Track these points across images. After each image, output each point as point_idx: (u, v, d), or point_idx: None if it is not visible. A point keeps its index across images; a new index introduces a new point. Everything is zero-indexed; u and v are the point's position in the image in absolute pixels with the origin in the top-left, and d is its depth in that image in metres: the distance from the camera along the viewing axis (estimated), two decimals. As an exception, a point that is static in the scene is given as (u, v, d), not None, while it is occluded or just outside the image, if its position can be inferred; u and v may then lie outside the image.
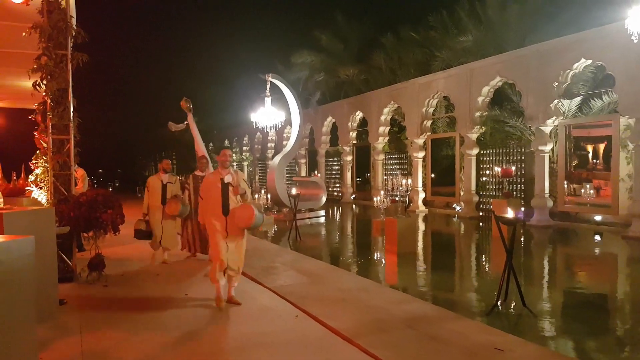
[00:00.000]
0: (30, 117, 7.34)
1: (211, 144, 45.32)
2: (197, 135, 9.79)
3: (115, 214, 6.85)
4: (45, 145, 7.02)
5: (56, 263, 5.72)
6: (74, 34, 7.05)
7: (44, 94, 6.95)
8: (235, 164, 40.65)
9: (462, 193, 16.66)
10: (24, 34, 6.75)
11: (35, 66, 6.84)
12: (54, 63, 6.83)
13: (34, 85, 6.94)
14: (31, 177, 7.29)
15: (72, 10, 7.23)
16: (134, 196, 26.88)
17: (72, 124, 7.06)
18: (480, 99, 15.72)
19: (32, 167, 7.29)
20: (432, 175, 18.35)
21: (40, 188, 7.15)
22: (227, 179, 5.67)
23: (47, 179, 7.02)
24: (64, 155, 6.98)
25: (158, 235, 8.28)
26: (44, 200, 7.06)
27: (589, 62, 12.63)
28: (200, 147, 9.54)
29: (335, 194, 24.78)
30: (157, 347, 4.51)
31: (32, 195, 7.15)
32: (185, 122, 10.61)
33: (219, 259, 5.64)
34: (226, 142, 42.02)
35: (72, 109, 7.07)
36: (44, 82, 6.87)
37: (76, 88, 7.23)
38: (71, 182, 7.08)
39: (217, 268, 5.65)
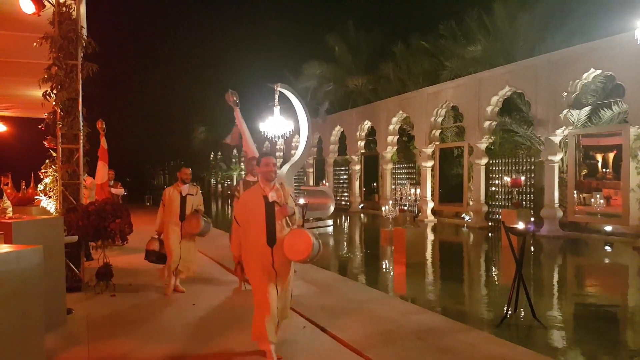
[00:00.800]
0: (40, 126, 7.39)
1: (219, 154, 45.55)
2: (246, 133, 8.16)
3: (124, 223, 6.86)
4: (54, 154, 7.07)
5: (64, 272, 5.73)
6: (84, 44, 7.12)
7: (54, 103, 7.01)
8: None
9: (471, 203, 16.57)
10: (35, 44, 6.83)
11: (45, 76, 6.90)
12: (64, 73, 6.88)
13: (44, 94, 7.00)
14: (40, 186, 7.32)
15: (83, 21, 7.30)
16: (143, 205, 26.97)
17: (81, 134, 7.10)
18: (489, 109, 15.67)
19: (42, 176, 7.33)
20: (440, 190, 18.26)
21: (49, 197, 7.19)
22: (272, 196, 4.27)
23: (56, 188, 7.05)
24: (73, 164, 7.02)
25: (175, 259, 6.80)
26: (52, 210, 7.09)
27: (599, 72, 12.57)
28: (251, 146, 7.91)
29: (343, 203, 24.73)
30: (165, 358, 4.49)
31: (41, 204, 7.17)
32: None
33: (268, 312, 4.25)
34: (235, 151, 42.14)
35: (81, 119, 7.12)
36: (54, 91, 6.92)
37: (86, 97, 7.29)
38: (80, 191, 7.11)
39: (267, 322, 4.25)
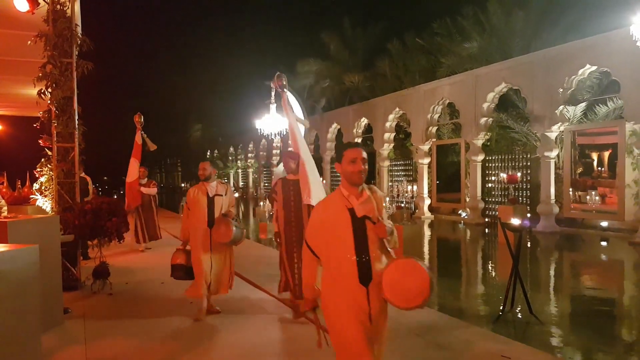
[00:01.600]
0: (35, 125, 7.36)
1: (216, 151, 45.47)
2: (294, 124, 6.22)
3: (120, 222, 6.84)
4: (50, 153, 7.04)
5: (61, 271, 5.71)
6: (79, 42, 7.07)
7: (49, 102, 6.97)
8: (240, 170, 40.58)
9: (467, 199, 16.59)
10: (29, 42, 6.78)
11: (40, 74, 6.86)
12: (59, 71, 6.84)
13: (39, 93, 6.96)
14: (36, 185, 7.29)
15: (78, 19, 7.27)
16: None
17: (77, 132, 7.07)
18: (485, 105, 15.67)
19: (37, 175, 7.30)
20: (438, 182, 18.29)
21: (45, 196, 7.15)
22: (362, 209, 2.82)
23: (52, 187, 7.02)
24: (68, 163, 6.99)
25: (206, 273, 5.65)
26: (48, 209, 7.06)
27: (594, 68, 12.59)
28: (298, 141, 5.88)
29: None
30: (162, 356, 4.48)
31: (37, 203, 7.15)
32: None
33: None
34: (231, 149, 42.07)
35: (77, 117, 7.08)
36: (49, 90, 6.88)
37: (81, 96, 7.24)
38: (76, 190, 7.08)
39: None
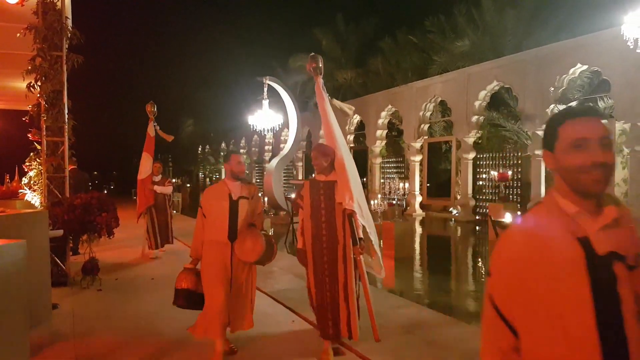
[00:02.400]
0: (24, 118, 7.28)
1: (207, 147, 45.32)
2: (329, 113, 4.62)
3: (110, 217, 6.79)
4: (39, 147, 6.98)
5: (49, 267, 5.66)
6: (69, 35, 7.01)
7: (38, 95, 6.90)
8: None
9: (458, 197, 16.65)
10: (18, 34, 6.71)
11: (29, 67, 6.79)
12: (48, 64, 6.78)
13: (28, 86, 6.89)
14: (25, 180, 7.22)
15: (68, 11, 7.19)
16: (129, 199, 26.73)
17: (66, 126, 7.00)
18: (477, 103, 15.72)
19: (26, 170, 7.23)
20: (428, 185, 18.33)
21: (34, 191, 7.09)
22: (609, 239, 1.35)
23: (41, 182, 6.96)
24: (58, 157, 6.92)
25: (223, 307, 4.13)
26: (37, 203, 6.99)
27: (585, 67, 12.65)
28: (334, 132, 4.42)
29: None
30: (152, 353, 4.45)
31: (26, 198, 7.08)
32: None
33: None
34: (222, 144, 41.93)
35: (66, 111, 7.01)
36: (39, 83, 6.81)
37: (71, 89, 7.17)
38: (65, 184, 7.01)
39: None
